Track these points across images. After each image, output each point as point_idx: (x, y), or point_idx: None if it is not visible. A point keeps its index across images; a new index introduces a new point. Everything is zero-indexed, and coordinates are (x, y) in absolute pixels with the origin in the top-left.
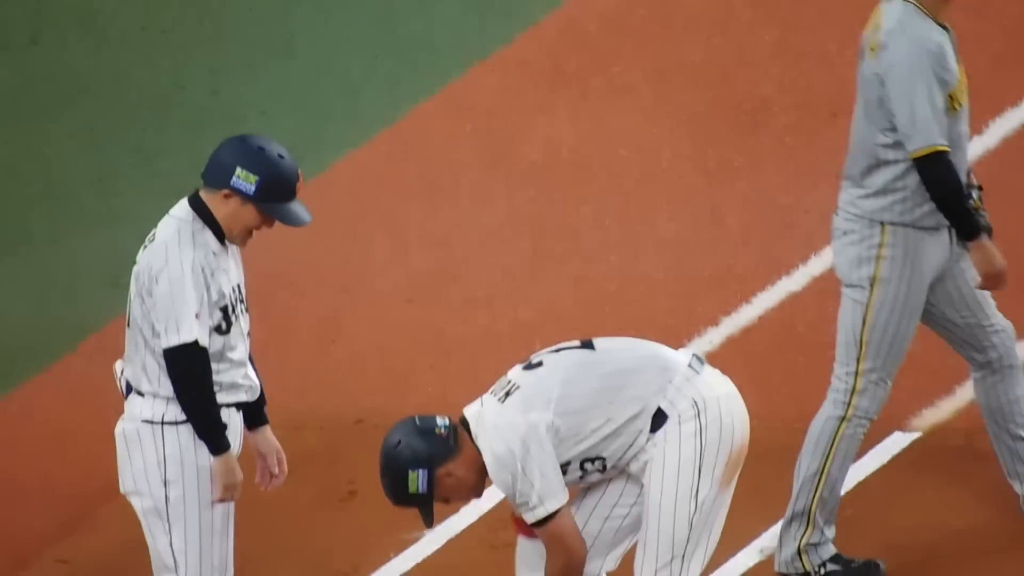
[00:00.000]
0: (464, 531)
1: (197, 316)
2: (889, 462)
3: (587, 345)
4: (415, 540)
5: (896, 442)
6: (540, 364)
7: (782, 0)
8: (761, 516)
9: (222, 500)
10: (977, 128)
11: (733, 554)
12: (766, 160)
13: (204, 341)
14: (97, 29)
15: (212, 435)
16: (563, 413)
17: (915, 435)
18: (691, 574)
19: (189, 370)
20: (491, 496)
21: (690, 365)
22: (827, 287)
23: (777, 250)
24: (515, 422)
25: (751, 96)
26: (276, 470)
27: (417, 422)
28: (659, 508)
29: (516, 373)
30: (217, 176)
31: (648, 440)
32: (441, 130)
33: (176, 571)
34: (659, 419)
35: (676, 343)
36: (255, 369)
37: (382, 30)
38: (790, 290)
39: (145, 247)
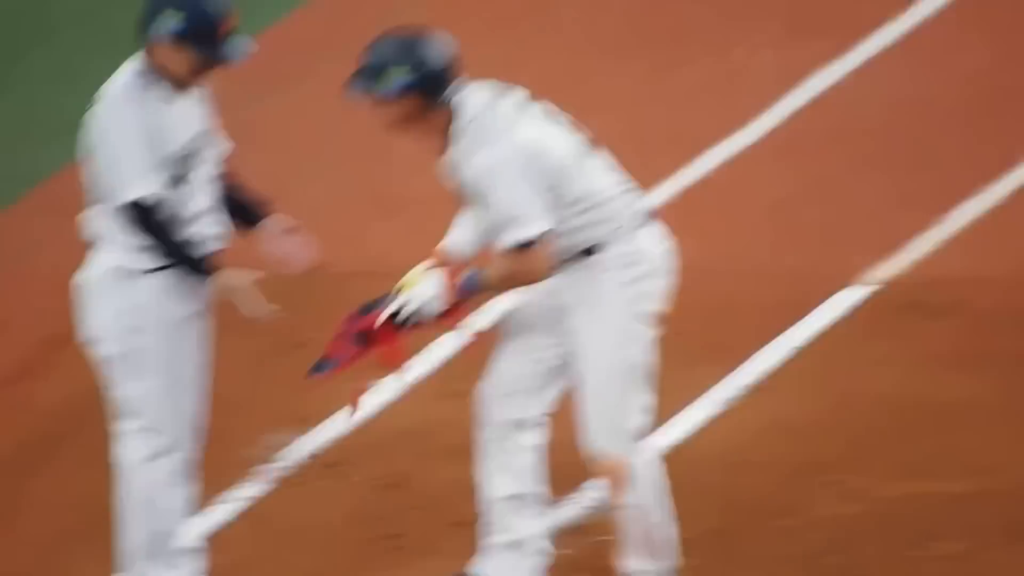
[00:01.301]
0: (419, 381)
1: (140, 174)
2: (841, 317)
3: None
4: (373, 388)
5: (848, 297)
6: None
7: None
8: (714, 368)
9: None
10: None
11: (688, 404)
12: (715, 20)
13: (150, 193)
14: None
15: (194, 270)
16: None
17: (867, 290)
18: (635, 430)
19: (146, 223)
20: (445, 347)
21: (639, 214)
22: (779, 144)
23: (729, 107)
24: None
25: None
26: (302, 248)
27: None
28: (593, 362)
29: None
30: (148, 22)
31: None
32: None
33: (143, 418)
34: (594, 250)
35: None
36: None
37: None
38: (741, 146)
39: (91, 106)
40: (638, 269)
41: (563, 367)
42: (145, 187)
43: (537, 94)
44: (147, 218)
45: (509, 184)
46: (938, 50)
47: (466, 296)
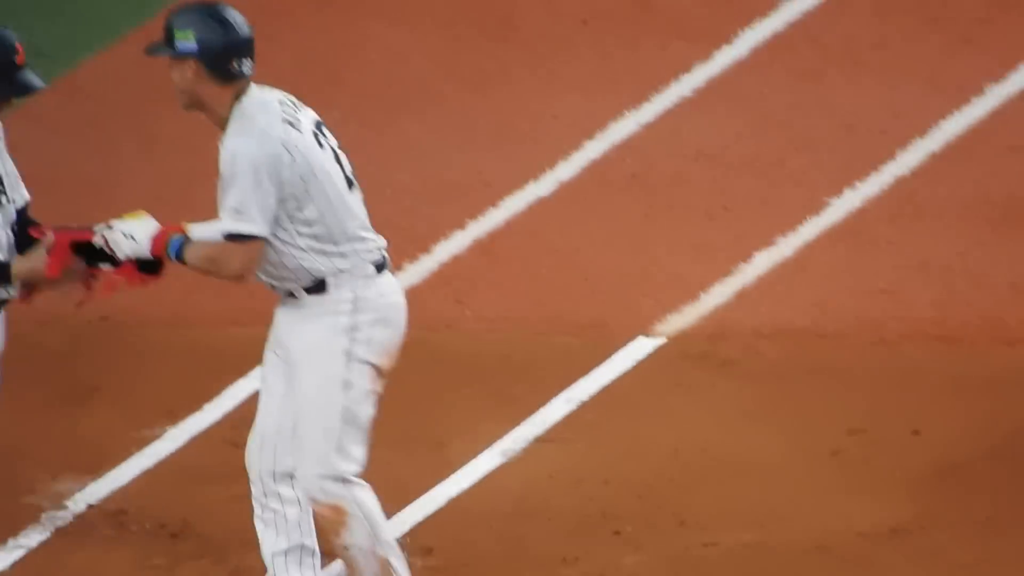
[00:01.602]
0: (206, 430)
1: None
2: (633, 368)
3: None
4: (157, 437)
5: (641, 347)
6: None
7: None
8: (503, 419)
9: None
10: (726, 38)
11: (474, 457)
12: (516, 66)
13: None
14: None
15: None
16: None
17: (659, 341)
18: (347, 468)
19: None
20: (233, 396)
21: (376, 264)
22: (575, 193)
23: (526, 155)
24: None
25: (502, 3)
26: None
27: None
28: (305, 399)
29: None
30: None
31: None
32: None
33: None
34: (319, 288)
35: (422, 246)
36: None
37: None
38: (538, 195)
39: None
40: (360, 317)
41: None
42: None
43: (339, 134)
44: None
45: (245, 176)
46: (735, 98)
47: (163, 253)
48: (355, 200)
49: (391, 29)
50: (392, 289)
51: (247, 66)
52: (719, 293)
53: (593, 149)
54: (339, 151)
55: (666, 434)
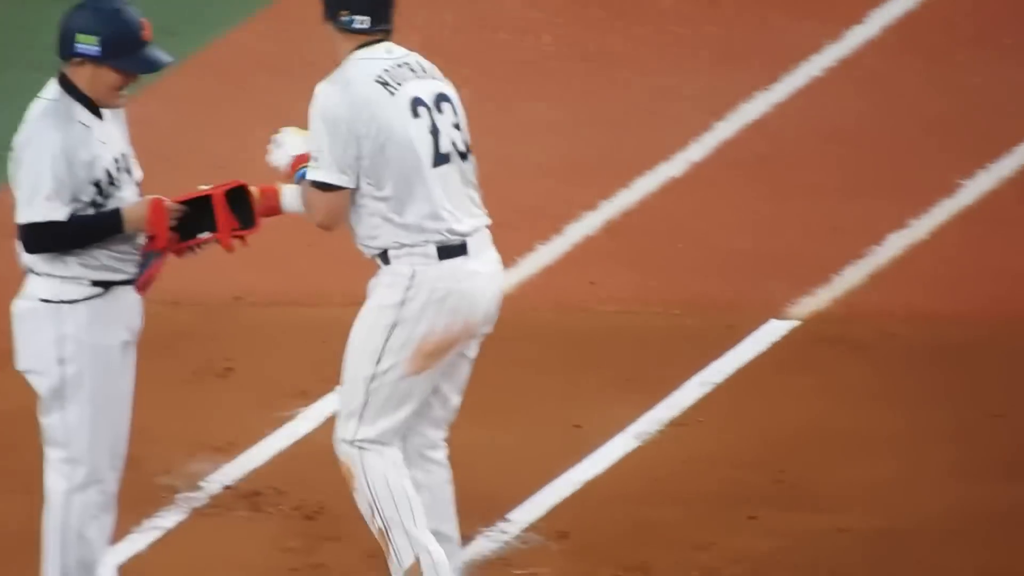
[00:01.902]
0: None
1: (48, 198)
2: (766, 350)
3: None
4: (291, 418)
5: (773, 330)
6: None
7: None
8: (637, 402)
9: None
10: (857, 17)
11: (609, 439)
12: (645, 45)
13: (55, 217)
14: None
15: (110, 232)
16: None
17: (792, 323)
18: (365, 435)
19: (41, 246)
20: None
21: (460, 245)
22: (706, 174)
23: (656, 135)
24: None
25: None
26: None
27: None
28: (347, 358)
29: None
30: (63, 47)
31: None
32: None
33: (68, 447)
34: (383, 257)
35: (554, 227)
36: None
37: None
38: (670, 175)
39: (19, 131)
40: (412, 295)
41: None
42: (44, 211)
43: (469, 112)
44: (42, 239)
45: (323, 124)
46: (868, 78)
47: (292, 178)
48: (439, 178)
49: (521, 7)
50: (463, 275)
51: (357, 21)
52: (852, 275)
53: (723, 129)
54: (443, 127)
55: (800, 417)
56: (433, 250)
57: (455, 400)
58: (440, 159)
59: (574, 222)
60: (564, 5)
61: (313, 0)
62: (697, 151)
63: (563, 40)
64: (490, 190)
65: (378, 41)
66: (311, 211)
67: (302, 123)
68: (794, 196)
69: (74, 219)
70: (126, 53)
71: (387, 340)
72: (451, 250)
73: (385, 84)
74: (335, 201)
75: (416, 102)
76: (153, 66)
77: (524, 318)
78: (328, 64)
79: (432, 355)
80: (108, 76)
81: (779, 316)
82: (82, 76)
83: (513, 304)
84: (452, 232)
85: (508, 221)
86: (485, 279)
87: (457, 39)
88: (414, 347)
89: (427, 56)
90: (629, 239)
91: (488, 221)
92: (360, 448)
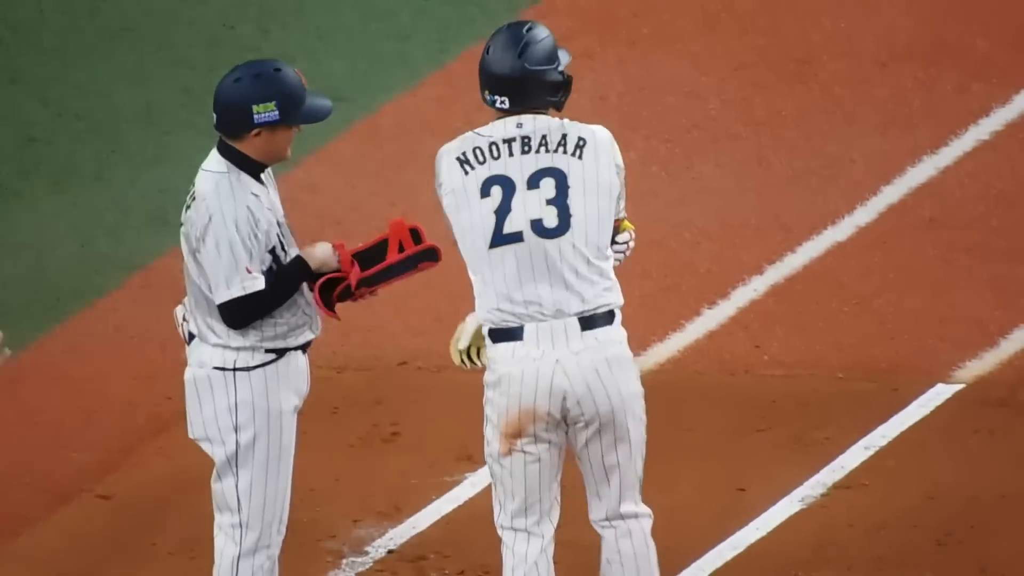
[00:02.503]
0: None
1: (249, 271)
2: (931, 413)
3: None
4: (457, 483)
5: (939, 393)
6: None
7: None
8: (802, 466)
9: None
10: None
11: (773, 503)
12: (813, 109)
13: (258, 287)
14: None
15: (295, 280)
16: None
17: (958, 387)
18: (501, 521)
19: (244, 318)
20: None
21: (515, 329)
22: (873, 237)
23: (823, 199)
24: None
25: (800, 44)
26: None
27: None
28: None
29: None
30: (238, 124)
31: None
32: None
33: (239, 511)
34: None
35: (720, 291)
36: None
37: None
38: (835, 240)
39: (188, 206)
40: (491, 375)
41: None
42: (247, 285)
43: (636, 175)
44: (245, 312)
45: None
46: None
47: None
48: (499, 259)
49: (689, 72)
50: (508, 357)
51: (499, 102)
52: (1019, 338)
53: (891, 193)
54: (520, 206)
55: (965, 481)
56: (490, 335)
57: (603, 488)
58: (501, 239)
59: (740, 286)
60: (732, 69)
61: None
62: (864, 215)
63: (730, 104)
64: (656, 253)
65: (505, 111)
66: None
67: None
68: (960, 259)
69: (267, 288)
70: (299, 107)
71: (486, 420)
72: (503, 334)
73: (464, 163)
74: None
75: (491, 181)
76: (326, 111)
77: (690, 381)
78: None
79: (511, 436)
80: (285, 135)
81: (945, 380)
82: (256, 144)
83: (678, 367)
84: (507, 315)
85: (674, 284)
86: (540, 364)
87: (624, 103)
88: (495, 427)
89: (595, 119)
90: (794, 303)
91: (591, 305)
92: (507, 532)
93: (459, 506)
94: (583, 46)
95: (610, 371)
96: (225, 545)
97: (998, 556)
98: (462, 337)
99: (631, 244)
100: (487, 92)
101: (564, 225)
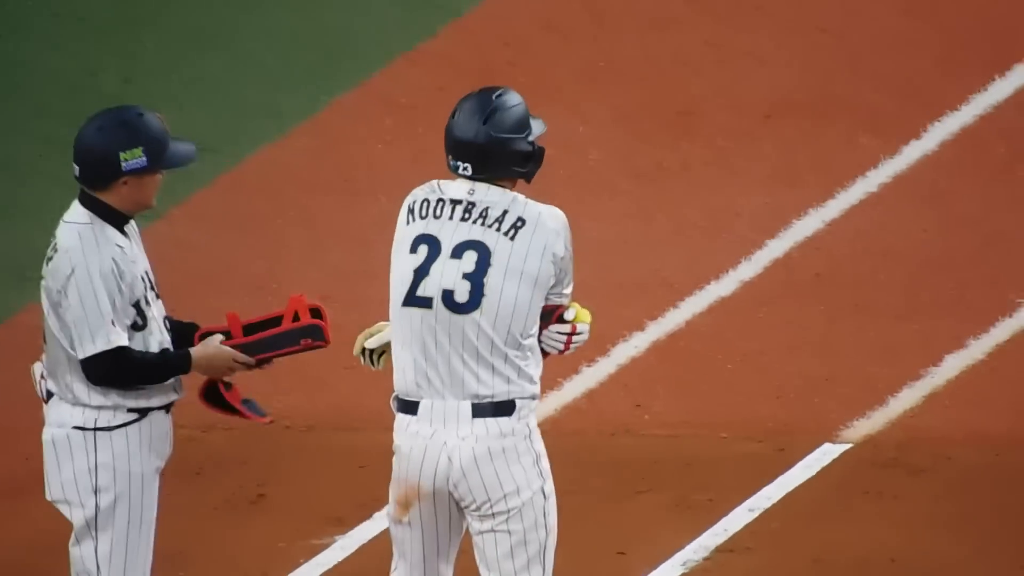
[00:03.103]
0: (376, 537)
1: (113, 323)
2: (818, 474)
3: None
4: (326, 546)
5: (827, 453)
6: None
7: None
8: (684, 529)
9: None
10: (915, 132)
11: (655, 567)
12: (697, 162)
13: (122, 342)
14: (6, 14)
15: (175, 371)
16: None
17: (846, 446)
18: None
19: (110, 375)
20: None
21: (411, 404)
22: (758, 293)
23: (707, 254)
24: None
25: (683, 96)
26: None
27: None
28: None
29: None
30: (103, 173)
31: None
32: (361, 125)
33: None
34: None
35: (600, 348)
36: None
37: (302, 20)
38: (719, 295)
39: (49, 259)
40: (394, 443)
41: None
42: (112, 338)
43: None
44: (111, 368)
45: None
46: (926, 194)
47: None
48: (408, 319)
49: (567, 122)
50: (402, 429)
51: (451, 164)
52: (908, 397)
53: (776, 247)
54: (437, 272)
55: (854, 543)
56: (394, 401)
57: (485, 574)
58: (413, 300)
59: (621, 342)
60: (612, 119)
61: (351, 115)
62: (748, 270)
63: (611, 155)
64: None
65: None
66: None
67: (342, 240)
68: (848, 316)
69: (143, 355)
70: (164, 151)
71: (390, 483)
72: (402, 404)
73: (411, 212)
74: None
75: (421, 239)
76: (191, 155)
77: (567, 442)
78: (363, 179)
79: (401, 505)
80: (152, 182)
81: (833, 439)
82: (122, 193)
83: (556, 427)
84: (409, 384)
85: None
86: (429, 443)
87: None
88: (392, 491)
89: None
90: (677, 360)
91: (487, 391)
92: None
93: (327, 571)
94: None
95: (491, 463)
96: None
97: None
98: (374, 337)
99: (580, 336)
100: (450, 157)
101: (474, 303)
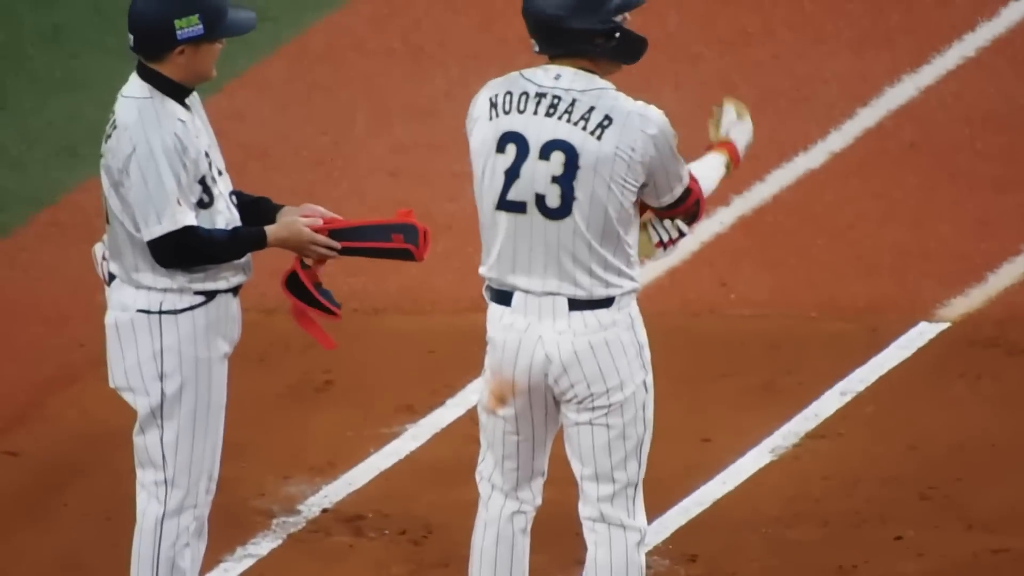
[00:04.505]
0: (449, 425)
1: (179, 202)
2: (914, 355)
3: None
4: (397, 435)
5: (922, 333)
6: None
7: None
8: (772, 413)
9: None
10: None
11: (742, 454)
12: (781, 25)
13: (191, 221)
14: None
15: (249, 248)
16: None
17: (943, 326)
18: (479, 472)
19: (179, 256)
20: (478, 388)
21: (506, 294)
22: (847, 164)
23: (793, 123)
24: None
25: None
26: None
27: None
28: None
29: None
30: (159, 42)
31: None
32: None
33: (164, 468)
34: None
35: None
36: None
37: None
38: (807, 167)
39: (108, 136)
40: (487, 333)
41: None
42: (179, 218)
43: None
44: (181, 249)
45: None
46: (1023, 58)
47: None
48: (504, 222)
49: None
50: (496, 320)
51: (535, 46)
52: (1008, 273)
53: (867, 116)
54: (528, 174)
55: (951, 429)
56: (487, 291)
57: (587, 484)
58: (507, 205)
59: (705, 218)
60: None
61: None
62: (838, 140)
63: (690, 19)
64: None
65: (553, 62)
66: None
67: (408, 112)
68: (944, 188)
69: (212, 233)
70: (223, 19)
71: (483, 371)
72: (496, 295)
73: (494, 106)
74: None
75: (508, 137)
76: (250, 24)
77: (649, 322)
78: (435, 48)
79: (496, 396)
80: (210, 52)
81: (928, 318)
82: (179, 64)
83: (639, 307)
84: (502, 280)
85: None
86: (524, 336)
87: None
88: (485, 382)
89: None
90: (763, 237)
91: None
92: (480, 482)
93: (399, 461)
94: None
95: (593, 356)
96: (148, 504)
97: (986, 511)
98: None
99: (681, 234)
100: (531, 37)
101: (566, 208)
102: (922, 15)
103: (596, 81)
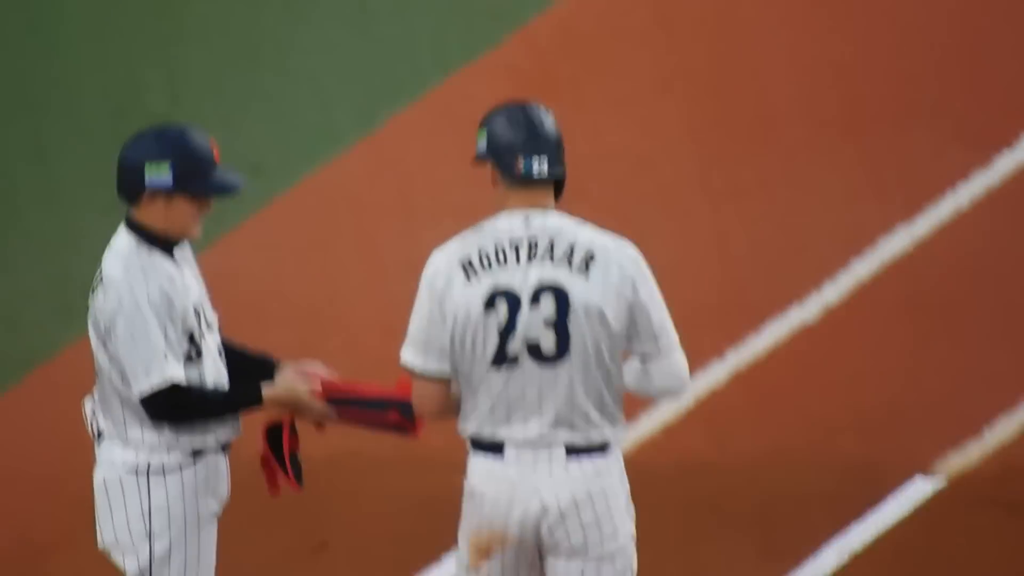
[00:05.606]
0: None
1: (167, 356)
2: (912, 512)
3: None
4: None
5: (919, 489)
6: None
7: (793, 3)
8: (767, 572)
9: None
10: (1007, 141)
11: None
12: (776, 177)
13: (180, 376)
14: (48, 33)
15: (244, 408)
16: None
17: (941, 482)
18: None
19: (170, 410)
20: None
21: (496, 445)
22: (842, 317)
23: (788, 276)
24: None
25: (759, 109)
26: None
27: None
28: None
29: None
30: (130, 184)
31: None
32: (421, 142)
33: None
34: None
35: None
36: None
37: (356, 33)
38: (802, 320)
39: (94, 289)
40: (467, 485)
41: None
42: (167, 371)
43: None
44: (171, 403)
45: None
46: (1019, 209)
47: None
48: (495, 379)
49: (638, 139)
50: (484, 473)
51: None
52: (1005, 428)
53: (861, 268)
54: (523, 325)
55: None
56: (472, 440)
57: None
58: (502, 360)
59: (699, 371)
60: (683, 134)
61: (411, 131)
62: (832, 292)
63: (684, 172)
64: None
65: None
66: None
67: (403, 266)
68: (939, 342)
69: (211, 391)
70: (200, 177)
71: (460, 526)
72: (485, 446)
73: (469, 266)
74: (423, 390)
75: (495, 294)
76: (229, 188)
77: (644, 480)
78: (427, 203)
79: (483, 552)
80: (183, 207)
81: (925, 474)
82: (155, 213)
83: (631, 464)
84: (494, 433)
85: None
86: (518, 487)
87: (570, 169)
88: (466, 538)
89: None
90: (759, 391)
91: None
92: None
93: None
94: None
95: (591, 505)
96: None
97: None
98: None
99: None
100: (521, 156)
101: (562, 351)
102: (915, 166)
103: (564, 216)
